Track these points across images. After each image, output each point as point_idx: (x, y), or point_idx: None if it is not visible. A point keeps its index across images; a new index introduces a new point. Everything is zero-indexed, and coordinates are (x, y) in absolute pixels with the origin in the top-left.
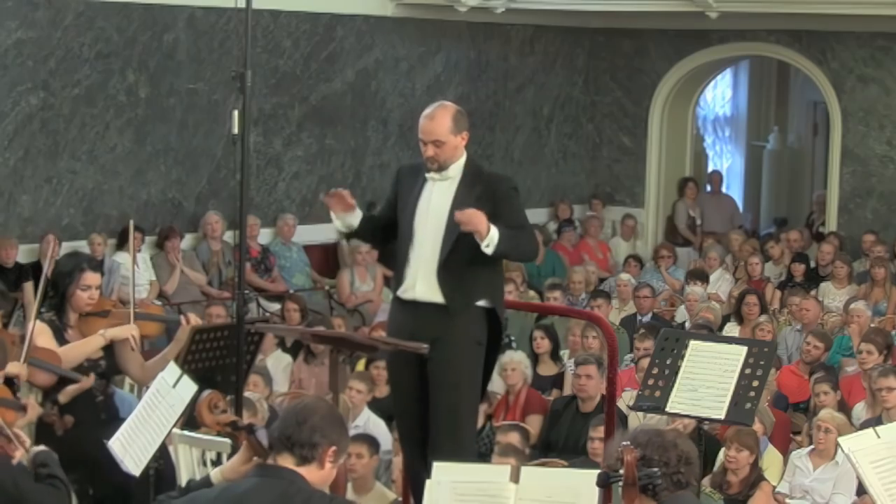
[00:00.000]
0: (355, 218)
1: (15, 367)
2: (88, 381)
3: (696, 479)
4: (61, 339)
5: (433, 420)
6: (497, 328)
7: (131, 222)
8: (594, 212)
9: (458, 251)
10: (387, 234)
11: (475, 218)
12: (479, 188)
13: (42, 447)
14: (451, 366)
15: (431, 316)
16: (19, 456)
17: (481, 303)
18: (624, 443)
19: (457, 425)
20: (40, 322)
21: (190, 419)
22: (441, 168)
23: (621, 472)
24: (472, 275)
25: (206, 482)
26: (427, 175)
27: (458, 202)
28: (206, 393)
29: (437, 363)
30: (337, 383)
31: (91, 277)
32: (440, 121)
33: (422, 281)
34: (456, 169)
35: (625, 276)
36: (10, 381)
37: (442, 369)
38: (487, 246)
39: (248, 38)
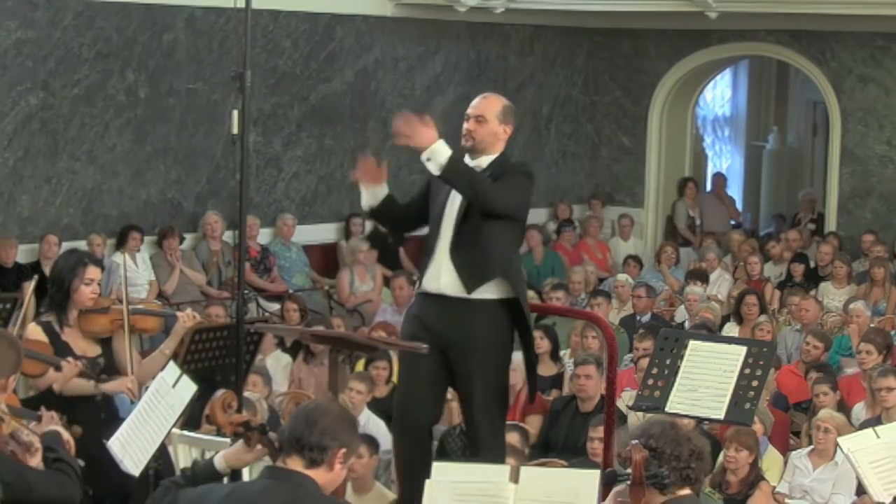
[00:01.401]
0: (383, 190)
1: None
2: (74, 366)
3: (705, 475)
4: (57, 341)
5: (472, 419)
6: (522, 318)
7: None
8: (593, 212)
9: (469, 225)
10: (407, 224)
11: (416, 128)
12: (496, 173)
13: (51, 428)
14: (480, 369)
15: (456, 310)
16: (34, 464)
17: (501, 291)
18: (632, 442)
19: (495, 429)
20: (34, 324)
21: (190, 419)
22: (474, 148)
23: (628, 471)
24: (483, 251)
25: (210, 467)
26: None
27: None
28: (220, 392)
29: (466, 366)
30: (337, 383)
31: (93, 271)
32: (492, 101)
33: (445, 271)
34: (487, 160)
35: (622, 277)
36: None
37: (469, 369)
38: (428, 160)
39: (248, 38)
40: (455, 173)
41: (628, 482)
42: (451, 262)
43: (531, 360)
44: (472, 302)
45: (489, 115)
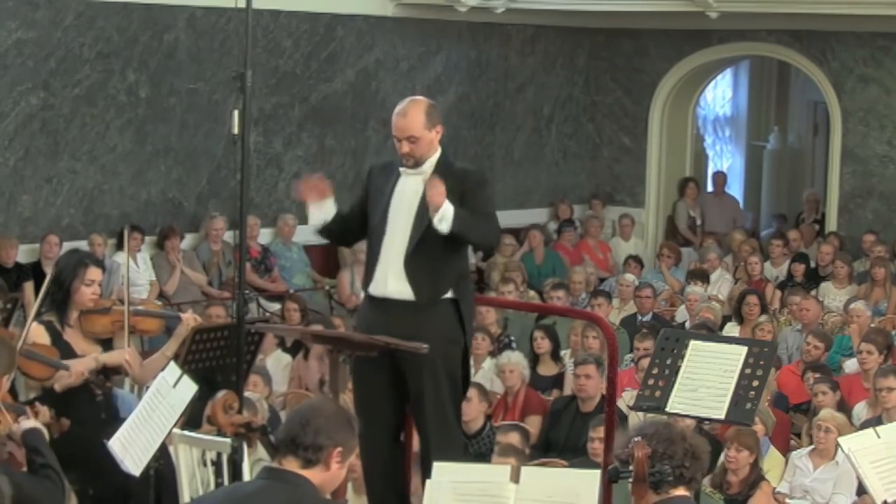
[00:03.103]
0: (330, 207)
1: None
2: (80, 374)
3: (702, 474)
4: (59, 340)
5: (422, 423)
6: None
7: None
8: (594, 212)
9: (426, 243)
10: (355, 235)
11: (437, 187)
12: (448, 182)
13: (31, 424)
14: (430, 367)
15: (403, 314)
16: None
17: (449, 295)
18: (635, 438)
19: (447, 426)
20: (36, 323)
21: (191, 419)
22: (417, 164)
23: (631, 467)
24: (440, 267)
25: None
26: (401, 169)
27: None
28: (221, 393)
29: (415, 364)
30: (337, 383)
31: (94, 272)
32: (413, 117)
33: (393, 276)
34: (429, 164)
35: (630, 277)
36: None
37: (421, 371)
38: (440, 221)
39: (249, 37)
40: (463, 226)
41: (630, 480)
42: (404, 272)
43: (467, 360)
44: (418, 303)
45: (417, 131)
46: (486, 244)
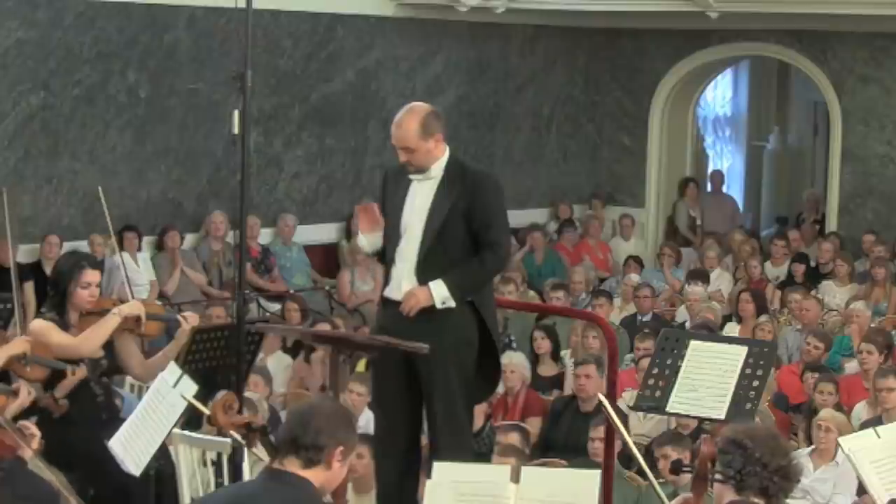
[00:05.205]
0: (380, 237)
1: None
2: (80, 371)
3: (785, 495)
4: None
5: (433, 423)
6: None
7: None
8: (594, 212)
9: (438, 248)
10: None
11: (412, 300)
12: (459, 186)
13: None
14: (442, 368)
15: (418, 317)
16: (29, 455)
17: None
18: (703, 435)
19: (457, 427)
20: (43, 321)
21: (191, 419)
22: (419, 170)
23: (695, 462)
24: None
25: None
26: (410, 175)
27: (438, 201)
28: (222, 394)
29: (428, 365)
30: (337, 383)
31: (91, 275)
32: (407, 127)
33: (407, 281)
34: (438, 168)
35: (634, 277)
36: (6, 373)
37: (433, 372)
38: (444, 303)
39: (249, 38)
40: (465, 291)
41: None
42: (416, 279)
43: (495, 361)
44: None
45: (412, 142)
46: (496, 274)
